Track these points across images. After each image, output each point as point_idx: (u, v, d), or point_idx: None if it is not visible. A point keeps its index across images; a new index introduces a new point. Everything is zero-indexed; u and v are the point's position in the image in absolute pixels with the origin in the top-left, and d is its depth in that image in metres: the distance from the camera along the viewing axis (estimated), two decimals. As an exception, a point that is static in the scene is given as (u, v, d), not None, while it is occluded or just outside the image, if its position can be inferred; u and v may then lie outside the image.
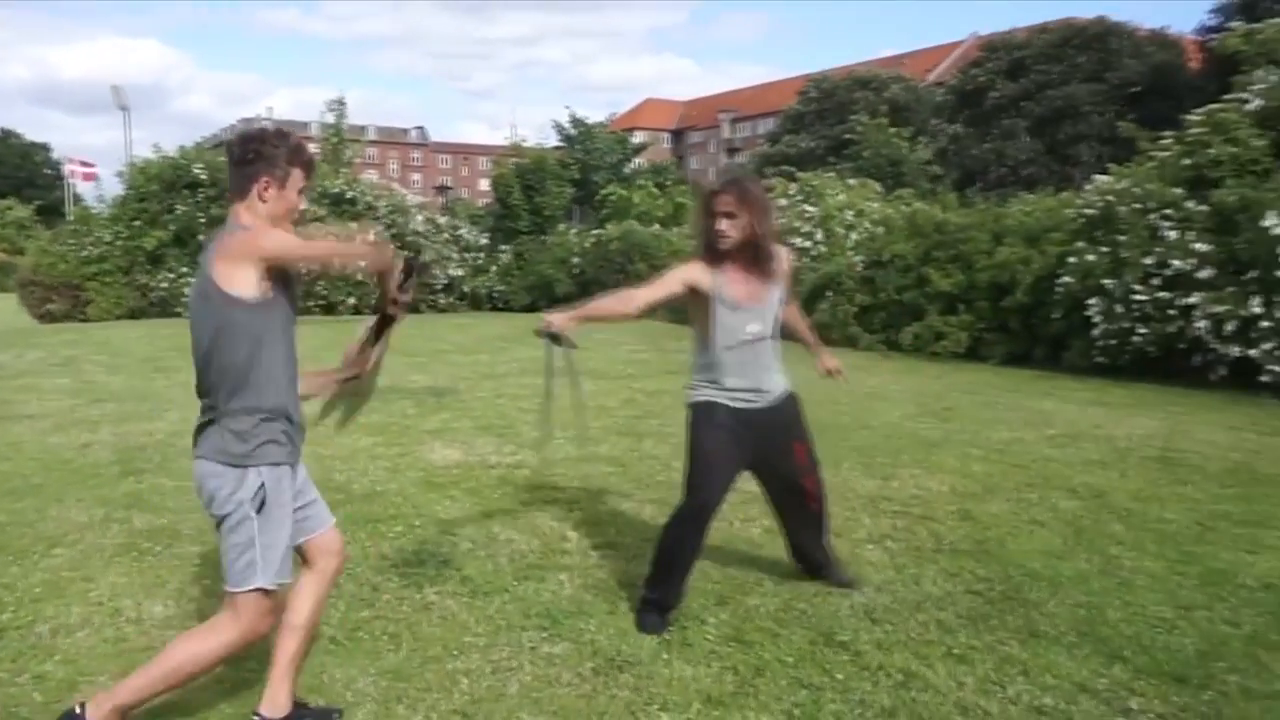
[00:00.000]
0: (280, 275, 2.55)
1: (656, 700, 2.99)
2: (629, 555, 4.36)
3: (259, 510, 2.52)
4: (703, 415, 3.54)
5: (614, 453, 6.43)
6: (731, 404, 3.51)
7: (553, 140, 27.17)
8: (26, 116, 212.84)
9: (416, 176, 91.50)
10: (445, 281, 21.21)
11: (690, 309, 3.57)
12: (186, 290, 18.17)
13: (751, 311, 3.48)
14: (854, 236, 13.83)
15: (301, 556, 2.76)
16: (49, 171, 69.55)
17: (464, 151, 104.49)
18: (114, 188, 20.61)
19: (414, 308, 23.37)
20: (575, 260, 20.51)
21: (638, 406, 8.32)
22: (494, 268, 22.02)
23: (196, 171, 18.58)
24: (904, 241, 13.24)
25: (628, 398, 8.76)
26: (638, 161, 28.81)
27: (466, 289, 21.63)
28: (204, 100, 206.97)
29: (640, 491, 5.47)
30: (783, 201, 14.80)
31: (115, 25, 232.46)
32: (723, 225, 3.40)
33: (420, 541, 4.50)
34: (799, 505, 3.77)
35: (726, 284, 3.45)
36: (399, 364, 11.14)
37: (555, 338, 3.20)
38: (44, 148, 76.66)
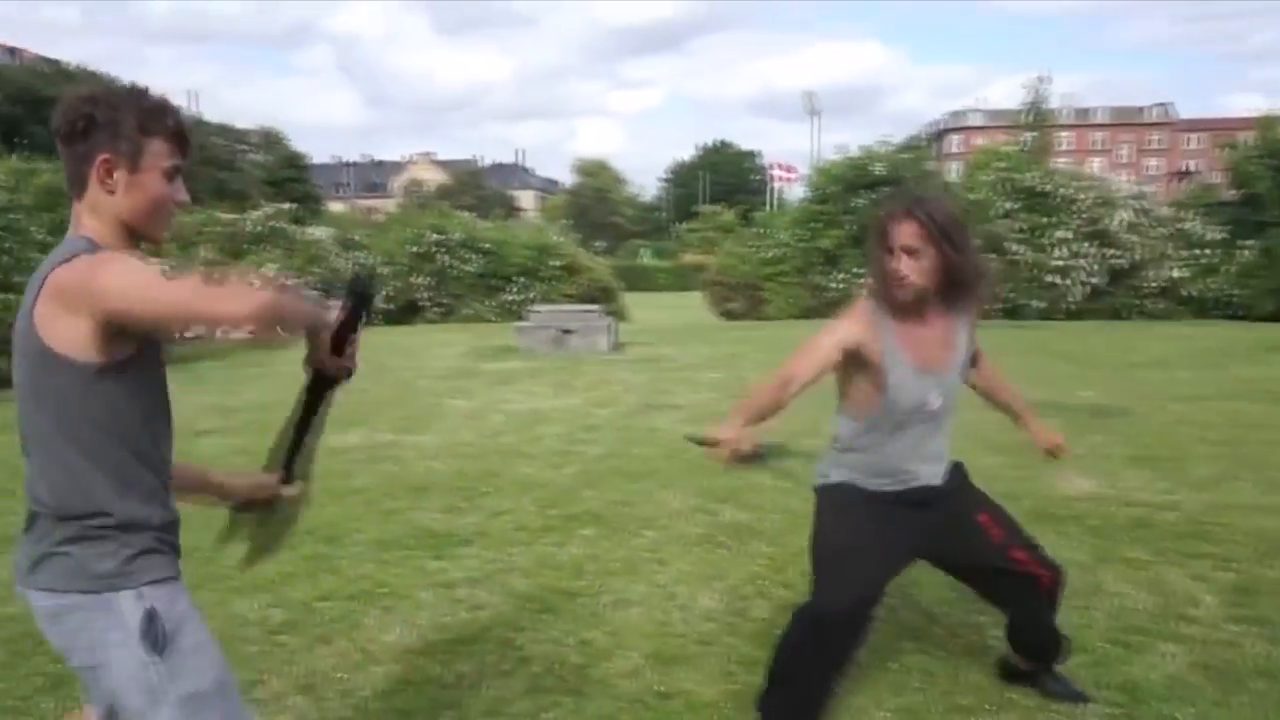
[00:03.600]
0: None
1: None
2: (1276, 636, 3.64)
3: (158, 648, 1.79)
4: (828, 498, 2.93)
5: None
6: (868, 487, 2.85)
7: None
8: (745, 128, 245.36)
9: (1153, 161, 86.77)
10: (1161, 285, 20.16)
11: (844, 372, 2.83)
12: (857, 288, 19.55)
13: (935, 377, 2.75)
14: None
15: None
16: (755, 177, 79.64)
17: (1220, 128, 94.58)
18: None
19: (1114, 311, 21.14)
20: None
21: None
22: (1228, 268, 20.03)
23: (878, 169, 19.80)
24: None
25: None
26: None
27: (1190, 292, 20.16)
28: (916, 97, 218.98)
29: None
30: None
31: (831, 31, 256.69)
32: (902, 265, 2.65)
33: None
34: (1017, 586, 2.98)
35: (903, 341, 2.73)
36: (1064, 373, 10.68)
37: (755, 456, 2.77)
38: (753, 155, 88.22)
